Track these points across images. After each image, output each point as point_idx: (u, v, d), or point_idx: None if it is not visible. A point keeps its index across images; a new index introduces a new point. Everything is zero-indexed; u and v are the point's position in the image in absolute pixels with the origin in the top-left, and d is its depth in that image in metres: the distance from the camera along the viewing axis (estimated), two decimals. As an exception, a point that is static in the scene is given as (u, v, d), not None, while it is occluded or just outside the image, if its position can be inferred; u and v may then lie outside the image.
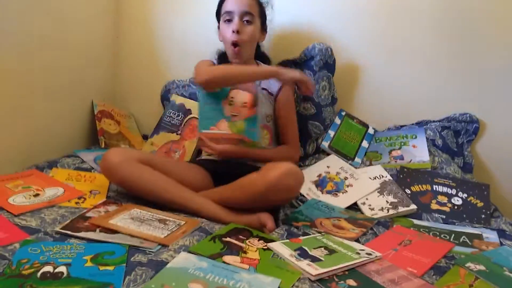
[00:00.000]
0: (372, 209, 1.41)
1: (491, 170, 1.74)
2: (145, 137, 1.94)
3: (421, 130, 1.72)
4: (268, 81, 1.51)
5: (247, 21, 1.46)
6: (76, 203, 1.22)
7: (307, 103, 1.70)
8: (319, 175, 1.57)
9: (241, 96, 1.38)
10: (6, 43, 1.36)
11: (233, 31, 1.44)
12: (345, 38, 1.76)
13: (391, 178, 1.53)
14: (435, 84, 1.74)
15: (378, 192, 1.48)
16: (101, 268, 0.89)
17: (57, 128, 1.62)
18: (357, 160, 1.66)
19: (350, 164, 1.63)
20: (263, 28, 1.57)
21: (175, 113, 1.81)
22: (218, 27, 1.57)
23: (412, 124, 1.78)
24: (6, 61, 1.36)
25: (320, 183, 1.53)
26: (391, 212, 1.38)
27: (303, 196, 1.47)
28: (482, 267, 1.05)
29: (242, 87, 1.39)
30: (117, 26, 1.93)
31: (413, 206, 1.40)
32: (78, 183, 1.35)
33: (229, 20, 1.47)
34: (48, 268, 0.86)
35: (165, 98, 1.91)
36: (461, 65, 1.70)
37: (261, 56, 1.65)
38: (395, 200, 1.43)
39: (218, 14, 1.56)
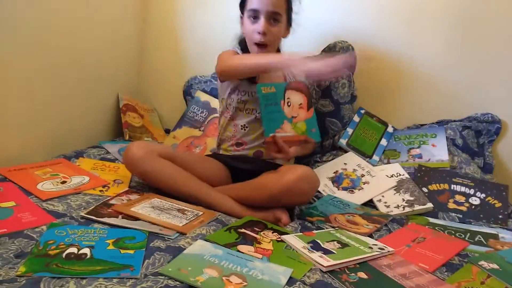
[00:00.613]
0: (388, 206, 1.41)
1: (511, 169, 1.72)
2: (167, 131, 2.00)
3: (441, 129, 1.71)
4: (289, 73, 1.50)
5: (274, 19, 1.39)
6: (100, 191, 1.28)
7: (325, 100, 1.72)
8: (336, 172, 1.58)
9: (296, 97, 1.35)
10: (34, 38, 1.42)
11: (259, 33, 1.38)
12: (367, 35, 1.76)
13: (408, 176, 1.54)
14: (456, 83, 1.72)
15: (394, 189, 1.48)
16: (122, 251, 0.93)
17: (84, 120, 1.69)
18: (375, 158, 1.67)
19: (367, 161, 1.63)
20: (289, 23, 1.49)
21: (199, 110, 1.86)
22: (241, 17, 1.47)
23: (433, 123, 1.77)
24: (35, 54, 1.43)
25: (337, 180, 1.55)
26: (407, 210, 1.39)
27: (319, 192, 1.49)
28: (495, 266, 1.05)
29: (294, 86, 1.36)
30: (143, 23, 1.99)
31: (429, 205, 1.40)
32: (102, 173, 1.41)
33: (255, 17, 1.38)
34: (72, 250, 0.91)
35: (187, 93, 1.96)
36: (484, 65, 1.68)
37: (277, 51, 1.56)
38: (412, 198, 1.44)
39: (242, 6, 1.45)
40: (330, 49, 1.71)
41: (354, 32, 1.76)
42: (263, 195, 1.24)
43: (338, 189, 1.51)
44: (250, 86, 1.45)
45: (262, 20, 1.37)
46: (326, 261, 0.97)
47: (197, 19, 1.96)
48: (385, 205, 1.42)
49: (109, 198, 1.22)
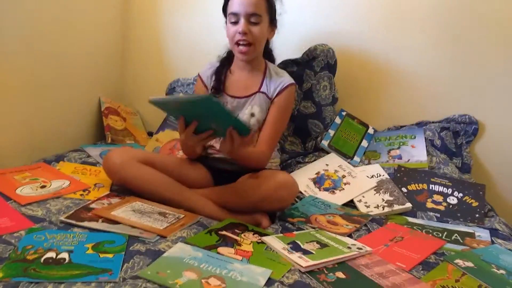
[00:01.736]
0: (368, 207, 1.44)
1: (489, 171, 1.76)
2: (150, 134, 1.99)
3: (420, 131, 1.74)
4: (269, 84, 1.46)
5: (254, 20, 1.39)
6: (81, 195, 1.27)
7: (307, 102, 1.74)
8: (318, 173, 1.60)
9: None
10: (15, 41, 1.41)
11: (239, 33, 1.38)
12: (346, 38, 1.79)
13: (388, 177, 1.56)
14: (435, 85, 1.76)
15: (374, 190, 1.51)
16: (101, 255, 0.93)
17: (65, 124, 1.68)
18: (356, 159, 1.69)
19: (349, 162, 1.66)
20: (272, 24, 1.48)
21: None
22: (226, 23, 1.46)
23: (412, 124, 1.80)
24: (15, 57, 1.42)
25: (318, 180, 1.56)
26: (386, 210, 1.42)
27: (301, 192, 1.50)
28: (470, 264, 1.08)
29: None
30: (124, 25, 1.98)
31: (408, 205, 1.43)
32: (83, 176, 1.40)
33: (236, 22, 1.38)
34: (51, 254, 0.91)
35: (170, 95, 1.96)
36: (462, 67, 1.72)
37: (268, 53, 1.57)
38: (391, 198, 1.46)
39: (224, 11, 1.46)
40: (311, 52, 1.73)
41: (334, 35, 1.78)
42: (243, 201, 1.25)
43: (320, 190, 1.52)
44: (221, 97, 1.47)
45: (242, 21, 1.38)
46: (305, 262, 0.99)
47: (179, 21, 1.96)
48: (365, 205, 1.45)
49: (89, 202, 1.21)
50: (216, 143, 1.48)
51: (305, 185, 1.54)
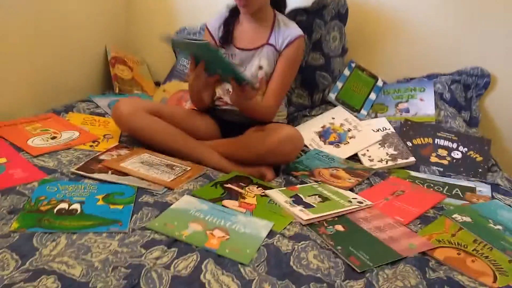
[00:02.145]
0: (372, 160, 1.46)
1: (497, 125, 1.75)
2: (157, 84, 2.00)
3: (430, 84, 1.72)
4: (277, 36, 1.43)
5: None
6: (90, 146, 1.31)
7: (316, 53, 1.71)
8: (323, 126, 1.61)
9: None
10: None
11: None
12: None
13: (394, 130, 1.57)
14: (446, 36, 1.71)
15: (379, 144, 1.52)
16: (111, 206, 0.98)
17: (73, 74, 1.69)
18: (363, 112, 1.69)
19: (355, 116, 1.66)
20: None
21: (188, 62, 1.83)
22: None
23: (423, 76, 1.77)
24: (21, 11, 1.40)
25: (323, 134, 1.58)
26: (390, 163, 1.43)
27: (306, 146, 1.52)
28: (468, 219, 1.11)
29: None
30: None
31: (412, 159, 1.45)
32: (92, 127, 1.43)
33: None
34: (63, 205, 0.96)
35: (176, 45, 1.93)
36: (474, 19, 1.66)
37: (277, 1, 1.51)
38: (395, 152, 1.48)
39: None
40: (322, 0, 1.67)
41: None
42: (249, 154, 1.28)
43: (325, 144, 1.54)
44: (229, 49, 1.45)
45: None
46: (305, 215, 1.03)
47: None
48: (369, 159, 1.46)
49: (99, 153, 1.25)
50: (224, 95, 1.48)
51: (310, 139, 1.55)
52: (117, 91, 1.79)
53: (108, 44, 1.87)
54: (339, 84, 1.74)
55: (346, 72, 1.77)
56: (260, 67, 1.44)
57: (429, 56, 1.75)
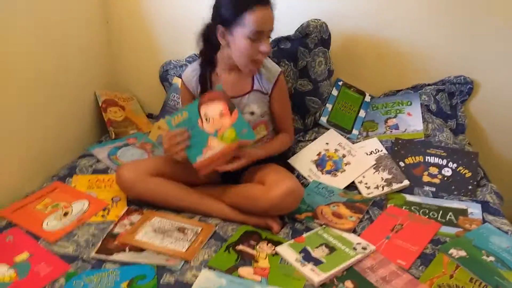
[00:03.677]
0: (368, 188, 1.53)
1: (483, 127, 1.84)
2: (150, 116, 2.03)
3: (416, 96, 1.77)
4: (260, 80, 1.47)
5: (269, 36, 1.35)
6: (102, 216, 1.36)
7: (303, 80, 1.74)
8: (319, 154, 1.67)
9: (213, 108, 1.33)
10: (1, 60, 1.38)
11: (263, 53, 1.32)
12: (339, 10, 1.73)
13: (386, 152, 1.63)
14: (429, 48, 1.75)
15: (374, 168, 1.59)
16: (137, 294, 1.06)
17: (67, 129, 1.70)
18: (354, 132, 1.75)
19: (348, 137, 1.72)
20: None
21: (179, 98, 1.86)
22: (224, 29, 1.32)
23: (408, 88, 1.82)
24: (5, 76, 1.40)
25: (320, 163, 1.64)
26: (386, 189, 1.51)
27: (305, 178, 1.59)
28: (463, 253, 1.21)
29: (207, 99, 1.34)
30: (106, 12, 1.89)
31: (406, 182, 1.53)
32: (99, 191, 1.48)
33: (255, 39, 1.30)
34: (94, 303, 1.03)
35: (164, 79, 1.95)
36: (454, 30, 1.70)
37: None
38: (390, 177, 1.55)
39: (230, 22, 1.30)
40: (304, 29, 1.68)
41: (326, 8, 1.72)
42: (252, 206, 1.34)
43: (322, 173, 1.61)
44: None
45: (267, 41, 1.32)
46: (317, 276, 1.11)
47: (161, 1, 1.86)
48: (366, 187, 1.54)
49: (112, 225, 1.31)
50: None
51: (308, 169, 1.62)
52: (113, 136, 1.82)
53: (96, 88, 1.87)
54: (329, 106, 1.78)
55: (334, 92, 1.81)
56: (252, 113, 1.49)
57: (413, 68, 1.80)
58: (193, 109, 1.32)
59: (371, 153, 1.65)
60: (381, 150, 1.65)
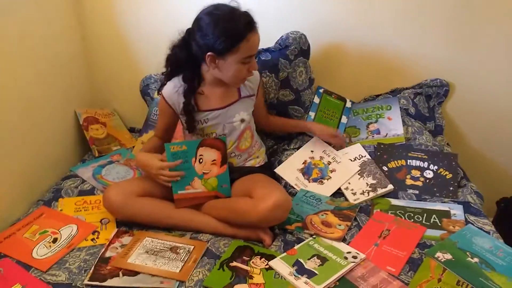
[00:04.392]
0: (354, 194, 1.57)
1: (460, 127, 1.90)
2: (132, 130, 2.01)
3: (395, 100, 1.82)
4: (246, 86, 1.53)
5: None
6: (92, 239, 1.35)
7: (285, 90, 1.76)
8: (304, 162, 1.69)
9: (209, 153, 1.43)
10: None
11: (250, 71, 1.41)
12: (316, 17, 1.75)
13: (369, 157, 1.67)
14: (406, 52, 1.79)
15: (358, 174, 1.63)
16: (135, 321, 1.06)
17: (48, 150, 1.67)
18: (340, 138, 1.78)
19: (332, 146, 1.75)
20: None
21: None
22: (211, 57, 1.35)
23: (387, 93, 1.87)
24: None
25: (306, 171, 1.66)
26: (371, 194, 1.55)
27: (292, 187, 1.61)
28: (448, 256, 1.26)
29: (209, 143, 1.43)
30: (82, 28, 1.86)
31: (390, 186, 1.57)
32: (87, 213, 1.46)
33: (246, 62, 1.38)
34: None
35: (145, 93, 1.93)
36: (431, 33, 1.74)
37: None
38: (374, 182, 1.59)
39: (224, 52, 1.33)
40: (283, 41, 1.70)
41: (304, 18, 1.74)
42: (241, 221, 1.35)
43: (309, 181, 1.63)
44: (198, 114, 1.49)
45: (254, 61, 1.41)
46: (311, 289, 1.14)
47: (138, 15, 1.85)
48: (352, 193, 1.58)
49: (103, 249, 1.30)
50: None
51: (294, 178, 1.64)
52: (96, 154, 1.80)
53: (76, 107, 1.85)
54: (312, 114, 1.81)
55: (316, 99, 1.84)
56: (242, 120, 1.52)
57: (392, 72, 1.84)
58: (192, 146, 1.42)
59: (355, 159, 1.68)
60: (365, 156, 1.68)
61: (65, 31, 1.79)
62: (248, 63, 1.38)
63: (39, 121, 1.62)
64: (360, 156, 1.69)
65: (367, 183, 1.60)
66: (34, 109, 1.59)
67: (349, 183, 1.61)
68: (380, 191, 1.56)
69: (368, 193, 1.56)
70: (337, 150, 1.71)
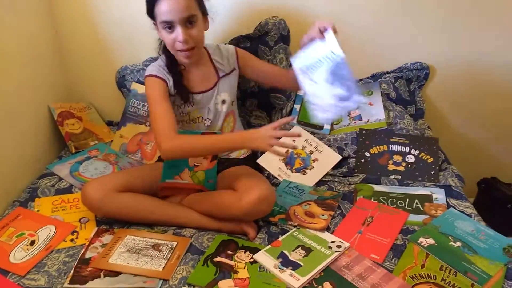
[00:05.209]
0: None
1: (440, 109, 1.90)
2: (110, 123, 1.95)
3: (376, 85, 1.81)
4: (222, 64, 1.52)
5: (190, 22, 1.33)
6: (71, 240, 1.31)
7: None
8: (287, 151, 1.68)
9: None
10: None
11: (179, 42, 1.34)
12: (295, 1, 1.71)
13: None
14: (386, 35, 1.78)
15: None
16: (118, 323, 1.04)
17: (23, 148, 1.61)
18: (326, 127, 1.76)
19: (322, 133, 1.74)
20: (205, 15, 1.42)
21: (140, 104, 1.80)
22: (154, 24, 1.38)
23: (368, 77, 1.85)
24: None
25: (289, 161, 1.65)
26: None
27: (275, 178, 1.60)
28: (431, 241, 1.26)
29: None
30: (53, 20, 1.78)
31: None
32: (65, 213, 1.42)
33: (170, 27, 1.33)
34: None
35: (122, 85, 1.87)
36: (409, 16, 1.73)
37: None
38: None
39: (152, 15, 1.36)
40: (262, 27, 1.66)
41: (283, 4, 1.70)
42: (225, 215, 1.34)
43: (292, 172, 1.62)
44: (186, 96, 1.46)
45: (179, 29, 1.33)
46: (296, 281, 1.13)
47: (111, 5, 1.77)
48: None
49: (83, 250, 1.27)
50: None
51: (277, 169, 1.63)
52: (73, 150, 1.74)
53: (49, 102, 1.78)
54: (297, 107, 1.79)
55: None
56: (223, 101, 1.52)
57: (372, 56, 1.83)
58: None
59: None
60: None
61: (37, 22, 1.70)
62: (170, 29, 1.33)
63: (11, 118, 1.55)
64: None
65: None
66: (4, 106, 1.52)
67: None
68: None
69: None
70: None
